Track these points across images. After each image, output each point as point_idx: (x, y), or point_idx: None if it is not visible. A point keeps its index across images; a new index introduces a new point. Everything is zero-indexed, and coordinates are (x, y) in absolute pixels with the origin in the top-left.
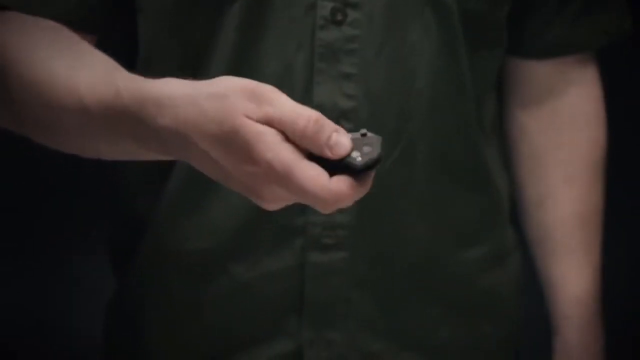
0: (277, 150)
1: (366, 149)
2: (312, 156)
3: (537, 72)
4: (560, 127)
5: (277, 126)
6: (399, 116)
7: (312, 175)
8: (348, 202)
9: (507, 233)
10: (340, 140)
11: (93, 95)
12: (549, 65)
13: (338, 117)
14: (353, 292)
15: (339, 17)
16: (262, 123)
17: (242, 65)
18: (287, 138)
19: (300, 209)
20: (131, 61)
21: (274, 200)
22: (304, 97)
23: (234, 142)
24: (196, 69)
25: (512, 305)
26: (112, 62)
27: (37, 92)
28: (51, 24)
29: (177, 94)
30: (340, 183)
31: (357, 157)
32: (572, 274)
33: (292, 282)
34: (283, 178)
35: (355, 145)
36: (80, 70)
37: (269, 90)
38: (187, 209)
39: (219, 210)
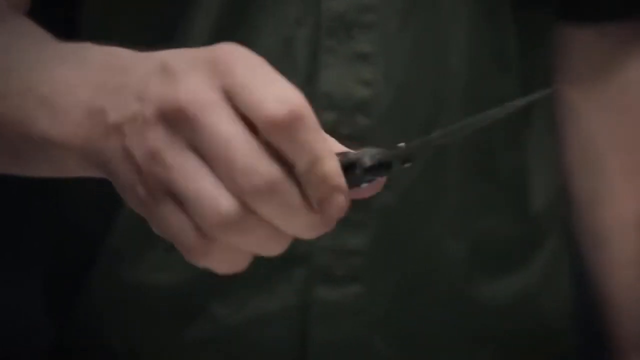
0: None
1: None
2: None
3: (592, 40)
4: (620, 106)
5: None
6: (429, 106)
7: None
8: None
9: (557, 246)
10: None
11: None
12: (607, 31)
13: (353, 109)
14: (372, 335)
15: None
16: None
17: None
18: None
19: None
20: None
21: (163, 222)
22: (307, 84)
23: None
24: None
25: (565, 334)
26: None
27: None
28: None
29: None
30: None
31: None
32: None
33: (292, 326)
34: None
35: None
36: None
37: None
38: (152, 233)
39: None
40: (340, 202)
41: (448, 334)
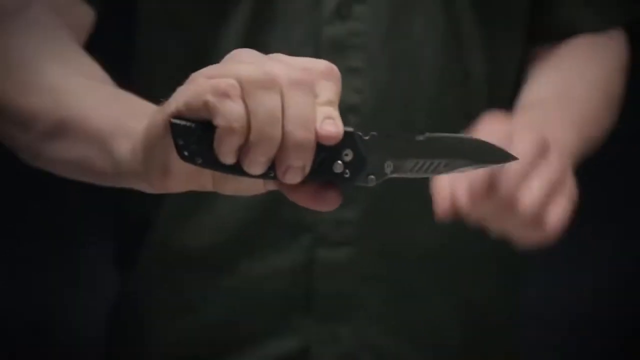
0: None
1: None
2: None
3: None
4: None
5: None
6: (404, 109)
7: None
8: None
9: None
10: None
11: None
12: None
13: (346, 111)
14: (361, 287)
15: (345, 12)
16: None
17: None
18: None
19: None
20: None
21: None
22: None
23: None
24: (198, 66)
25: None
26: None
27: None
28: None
29: None
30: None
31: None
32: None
33: (299, 279)
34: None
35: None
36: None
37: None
38: (191, 206)
39: (225, 207)
40: (331, 123)
41: (424, 288)
